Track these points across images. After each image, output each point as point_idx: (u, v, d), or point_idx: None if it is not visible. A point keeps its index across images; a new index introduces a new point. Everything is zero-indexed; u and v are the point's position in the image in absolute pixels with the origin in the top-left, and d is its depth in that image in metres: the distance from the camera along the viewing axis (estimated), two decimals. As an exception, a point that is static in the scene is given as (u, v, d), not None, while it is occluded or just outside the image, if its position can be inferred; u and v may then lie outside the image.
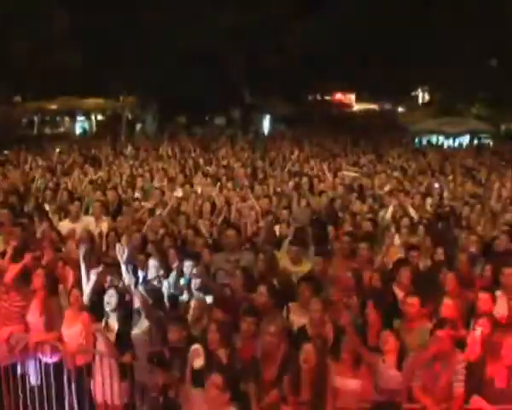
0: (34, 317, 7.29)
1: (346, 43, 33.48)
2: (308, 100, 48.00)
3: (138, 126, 37.48)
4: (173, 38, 29.64)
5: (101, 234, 9.71)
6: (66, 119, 39.90)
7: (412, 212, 10.59)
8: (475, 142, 30.92)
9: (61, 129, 39.19)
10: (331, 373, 5.83)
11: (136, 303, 7.06)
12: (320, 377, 5.66)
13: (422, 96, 50.05)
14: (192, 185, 13.34)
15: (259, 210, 10.67)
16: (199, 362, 6.00)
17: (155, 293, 7.52)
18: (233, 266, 8.17)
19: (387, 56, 34.68)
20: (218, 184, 13.33)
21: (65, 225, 10.12)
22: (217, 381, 5.15)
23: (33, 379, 7.24)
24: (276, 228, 10.08)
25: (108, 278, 7.75)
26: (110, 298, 6.92)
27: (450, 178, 14.87)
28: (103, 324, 6.96)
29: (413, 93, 50.05)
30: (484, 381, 5.77)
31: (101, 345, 6.84)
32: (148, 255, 8.38)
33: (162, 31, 29.42)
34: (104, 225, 10.11)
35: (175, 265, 8.09)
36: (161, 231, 9.79)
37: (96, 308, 7.19)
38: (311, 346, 5.69)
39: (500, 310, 6.92)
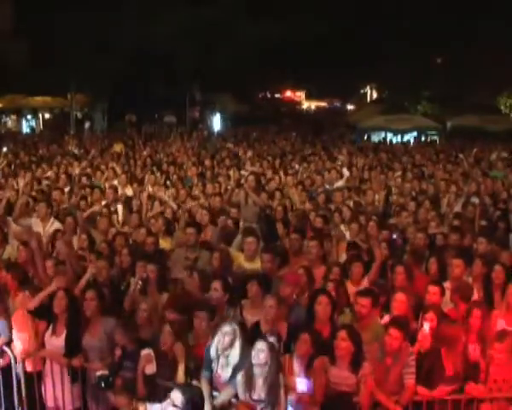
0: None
1: (295, 42, 33.77)
2: (258, 98, 48.29)
3: (87, 125, 36.89)
4: (124, 37, 29.35)
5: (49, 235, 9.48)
6: (13, 117, 39.00)
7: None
8: (423, 139, 31.43)
9: (7, 128, 38.26)
10: (285, 370, 5.85)
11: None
12: (274, 374, 5.67)
13: (371, 93, 50.78)
14: (141, 184, 13.22)
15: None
16: (151, 368, 5.93)
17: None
18: (191, 263, 8.13)
19: (336, 54, 35.13)
20: (169, 182, 13.17)
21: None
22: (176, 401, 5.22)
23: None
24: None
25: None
26: (59, 301, 6.73)
27: (399, 174, 15.08)
28: (51, 328, 6.78)
29: (362, 91, 50.78)
30: (435, 372, 5.92)
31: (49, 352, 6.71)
32: None
33: (113, 29, 29.09)
34: (54, 226, 9.89)
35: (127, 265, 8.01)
36: (112, 230, 9.65)
37: (44, 312, 6.95)
38: (264, 343, 5.69)
39: (447, 302, 7.10)
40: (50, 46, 28.52)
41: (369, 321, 6.62)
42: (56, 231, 9.38)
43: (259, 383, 5.64)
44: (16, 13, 28.91)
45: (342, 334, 5.91)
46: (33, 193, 12.00)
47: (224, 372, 5.94)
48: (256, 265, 8.18)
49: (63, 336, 6.68)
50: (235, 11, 32.11)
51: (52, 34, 28.42)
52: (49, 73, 29.31)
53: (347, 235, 9.61)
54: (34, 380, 6.73)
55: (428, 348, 6.13)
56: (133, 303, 7.19)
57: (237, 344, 5.93)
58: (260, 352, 5.61)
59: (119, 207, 11.28)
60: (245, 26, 32.27)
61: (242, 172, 14.03)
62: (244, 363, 5.75)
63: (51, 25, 28.24)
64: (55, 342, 6.69)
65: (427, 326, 6.26)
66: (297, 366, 5.95)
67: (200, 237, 8.97)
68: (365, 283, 7.66)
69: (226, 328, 5.95)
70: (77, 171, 14.54)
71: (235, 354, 5.91)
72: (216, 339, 5.96)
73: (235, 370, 5.82)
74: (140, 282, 7.33)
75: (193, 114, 40.87)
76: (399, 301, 6.68)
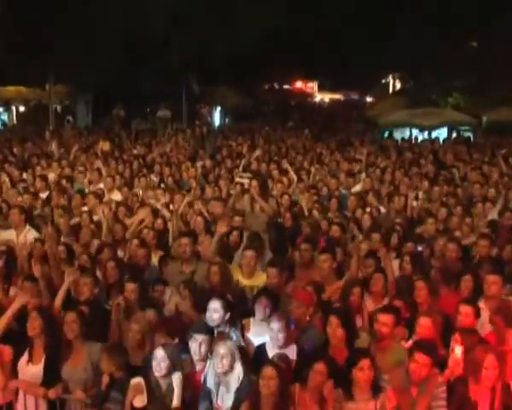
0: None
1: (307, 27, 33.70)
2: (264, 89, 48.20)
3: (68, 119, 36.87)
4: (112, 22, 29.37)
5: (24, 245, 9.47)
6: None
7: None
8: (454, 135, 31.31)
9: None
10: (294, 401, 5.80)
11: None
12: (282, 403, 5.65)
13: (393, 83, 50.59)
14: (132, 188, 13.23)
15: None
16: (141, 400, 5.91)
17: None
18: (187, 278, 8.10)
19: (354, 41, 35.02)
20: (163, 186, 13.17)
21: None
22: None
23: None
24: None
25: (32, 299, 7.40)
26: (33, 322, 6.68)
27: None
28: (26, 355, 6.72)
29: (383, 80, 50.60)
30: (466, 404, 5.80)
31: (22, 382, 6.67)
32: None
33: (100, 13, 29.10)
34: (30, 235, 9.88)
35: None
36: (95, 241, 9.63)
37: (16, 336, 6.91)
38: (271, 369, 5.67)
39: (483, 324, 6.98)
40: (25, 30, 28.49)
41: (390, 342, 6.56)
42: (36, 240, 9.36)
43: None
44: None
45: (365, 363, 5.81)
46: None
47: (224, 402, 5.93)
48: (255, 282, 8.15)
49: (42, 363, 6.63)
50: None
51: (29, 18, 28.42)
52: (25, 61, 29.27)
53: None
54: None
55: (459, 376, 6.00)
56: (119, 330, 7.14)
57: (237, 366, 5.92)
58: (270, 380, 5.59)
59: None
60: (247, 12, 32.23)
61: (238, 179, 13.99)
62: (247, 387, 5.72)
63: (28, 8, 28.28)
64: (32, 369, 6.64)
65: (459, 350, 6.14)
66: (309, 399, 5.89)
67: (196, 248, 8.93)
68: (386, 301, 7.66)
69: (222, 349, 5.94)
70: (55, 173, 14.49)
71: (235, 377, 5.89)
72: (212, 364, 5.95)
73: (238, 396, 5.80)
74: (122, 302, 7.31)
75: (200, 111, 40.94)
76: (424, 327, 6.59)
